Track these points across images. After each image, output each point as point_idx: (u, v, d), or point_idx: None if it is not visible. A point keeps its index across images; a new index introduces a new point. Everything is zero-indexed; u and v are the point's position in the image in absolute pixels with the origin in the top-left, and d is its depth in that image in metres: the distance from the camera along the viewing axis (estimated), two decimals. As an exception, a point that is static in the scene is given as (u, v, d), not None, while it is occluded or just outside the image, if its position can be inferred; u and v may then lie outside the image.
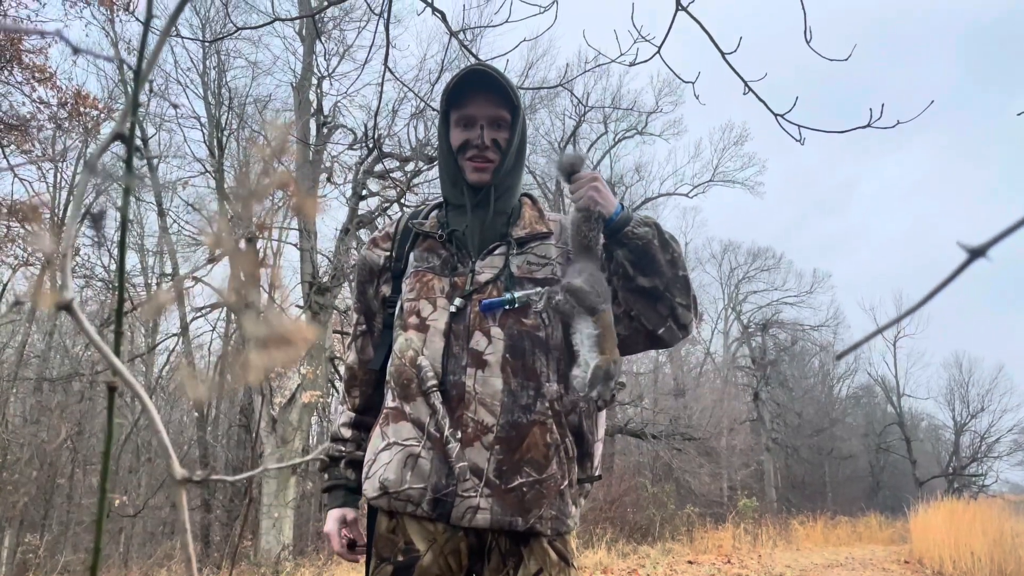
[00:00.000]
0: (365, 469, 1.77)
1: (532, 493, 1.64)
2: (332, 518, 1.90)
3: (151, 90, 14.41)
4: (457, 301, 1.74)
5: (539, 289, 1.76)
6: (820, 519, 19.35)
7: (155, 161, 15.84)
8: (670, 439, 18.55)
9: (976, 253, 0.29)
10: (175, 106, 15.02)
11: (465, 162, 1.83)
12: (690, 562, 10.91)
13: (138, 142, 14.98)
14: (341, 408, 2.00)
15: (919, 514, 13.10)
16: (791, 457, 32.14)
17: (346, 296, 14.18)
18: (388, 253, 1.94)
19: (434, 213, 1.93)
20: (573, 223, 1.72)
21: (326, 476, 1.95)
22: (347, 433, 1.95)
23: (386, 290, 1.92)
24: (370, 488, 1.72)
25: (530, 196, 1.96)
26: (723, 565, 10.53)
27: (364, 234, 13.94)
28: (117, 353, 0.35)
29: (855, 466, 36.96)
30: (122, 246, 0.34)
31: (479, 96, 1.81)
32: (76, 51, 0.34)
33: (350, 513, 1.91)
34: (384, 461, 1.70)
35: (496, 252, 1.80)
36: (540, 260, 1.82)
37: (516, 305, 1.72)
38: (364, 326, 1.98)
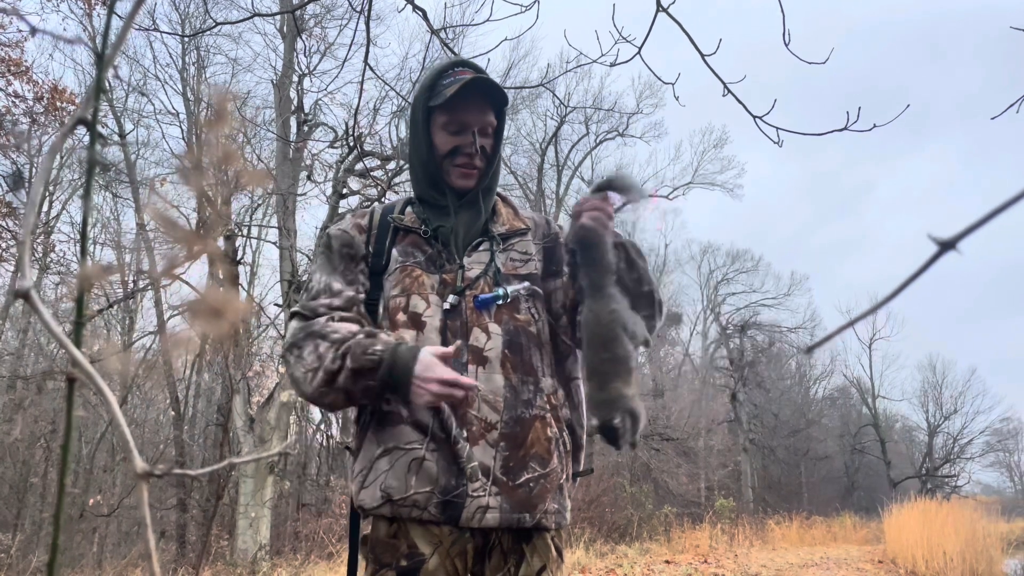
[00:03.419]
0: (360, 478, 1.67)
1: (538, 488, 1.64)
2: (427, 353, 1.56)
3: (117, 76, 14.26)
4: (451, 298, 1.70)
5: (527, 284, 1.76)
6: (796, 519, 19.51)
7: (133, 157, 15.68)
8: (648, 439, 18.63)
9: (946, 246, 0.29)
10: (143, 93, 14.90)
11: (452, 167, 1.80)
12: (667, 562, 10.96)
13: (109, 132, 14.82)
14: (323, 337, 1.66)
15: (893, 514, 13.24)
16: (768, 458, 32.37)
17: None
18: (364, 245, 1.82)
19: (409, 208, 1.86)
20: (588, 239, 1.64)
21: (371, 349, 1.58)
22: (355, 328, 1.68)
23: (362, 280, 1.80)
24: (369, 498, 1.64)
25: (500, 195, 1.94)
26: (700, 565, 10.58)
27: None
28: (78, 345, 0.34)
29: (830, 467, 37.30)
30: (83, 233, 0.34)
31: (472, 101, 1.77)
32: (35, 31, 0.33)
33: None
34: (383, 468, 1.63)
35: (481, 248, 1.79)
36: (522, 256, 1.82)
37: (508, 300, 1.72)
38: (363, 296, 1.77)
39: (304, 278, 13.58)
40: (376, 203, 2.02)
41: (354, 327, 1.66)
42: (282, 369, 12.17)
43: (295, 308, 1.75)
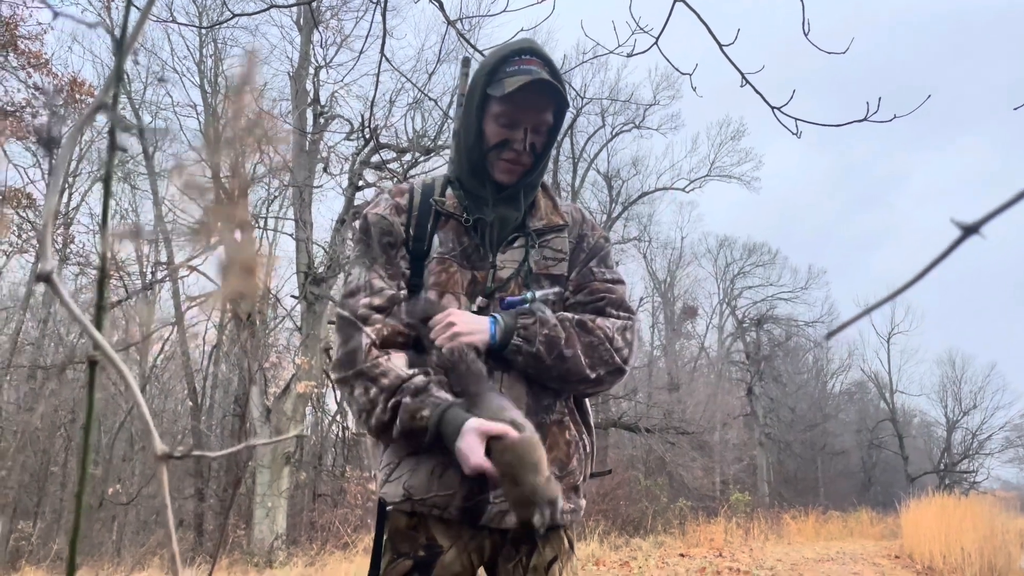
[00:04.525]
0: (386, 471, 1.68)
1: None
2: (470, 430, 1.49)
3: (136, 60, 14.39)
4: (480, 300, 1.68)
5: (557, 289, 1.73)
6: (812, 514, 19.41)
7: (151, 149, 15.79)
8: (663, 433, 18.59)
9: (969, 230, 0.29)
10: (161, 80, 15.02)
11: (498, 160, 1.73)
12: (682, 555, 10.94)
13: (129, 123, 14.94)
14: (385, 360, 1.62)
15: (910, 510, 13.14)
16: (784, 452, 32.25)
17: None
18: (404, 227, 1.76)
19: (449, 191, 1.80)
20: (448, 366, 1.60)
21: (419, 415, 1.55)
22: (414, 375, 1.62)
23: (404, 267, 1.74)
24: (392, 493, 1.65)
25: (542, 184, 1.88)
26: (715, 558, 10.56)
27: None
28: (99, 327, 0.34)
29: (847, 462, 37.12)
30: (104, 215, 0.34)
31: (532, 97, 1.69)
32: (56, 14, 0.33)
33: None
34: (409, 467, 1.64)
35: (515, 245, 1.75)
36: (556, 255, 1.78)
37: (535, 304, 1.69)
38: (405, 291, 1.71)
39: (320, 270, 13.64)
40: (412, 180, 1.93)
41: (402, 370, 1.60)
42: (298, 360, 12.25)
43: (337, 309, 1.72)
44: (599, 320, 1.72)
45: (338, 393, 14.87)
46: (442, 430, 1.52)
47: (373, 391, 1.58)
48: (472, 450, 1.46)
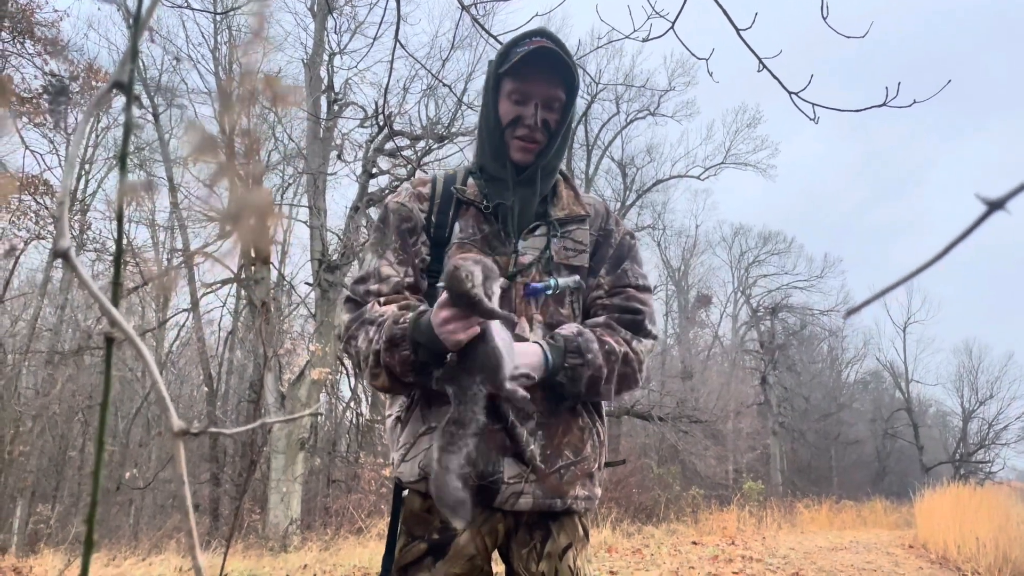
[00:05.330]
0: (402, 451, 1.70)
1: (568, 475, 1.68)
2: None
3: (152, 39, 14.45)
4: (501, 281, 1.67)
5: (576, 278, 1.74)
6: (825, 503, 19.37)
7: (166, 137, 15.87)
8: (676, 421, 18.56)
9: (994, 206, 0.28)
10: (177, 59, 15.07)
11: (512, 139, 1.76)
12: (694, 543, 10.95)
13: (143, 111, 15.01)
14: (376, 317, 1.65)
15: (925, 500, 13.09)
16: (797, 441, 32.14)
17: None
18: (426, 214, 1.79)
19: (470, 180, 1.82)
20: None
21: (401, 319, 1.58)
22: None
23: (424, 253, 1.77)
24: (408, 471, 1.68)
25: (563, 174, 1.89)
26: (727, 546, 10.56)
27: (374, 212, 13.93)
28: (115, 304, 0.34)
29: (861, 451, 36.97)
30: (120, 192, 0.34)
31: (540, 71, 1.72)
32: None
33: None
34: (424, 446, 1.66)
35: (537, 233, 1.77)
36: (577, 246, 1.79)
37: (557, 292, 1.71)
38: (412, 279, 1.73)
39: (334, 257, 13.67)
40: (406, 182, 1.95)
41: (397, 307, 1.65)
42: (313, 347, 12.30)
43: (346, 292, 1.75)
44: (635, 344, 1.74)
45: (349, 365, 14.94)
46: (420, 319, 1.54)
47: (372, 330, 1.62)
48: (440, 310, 1.47)
